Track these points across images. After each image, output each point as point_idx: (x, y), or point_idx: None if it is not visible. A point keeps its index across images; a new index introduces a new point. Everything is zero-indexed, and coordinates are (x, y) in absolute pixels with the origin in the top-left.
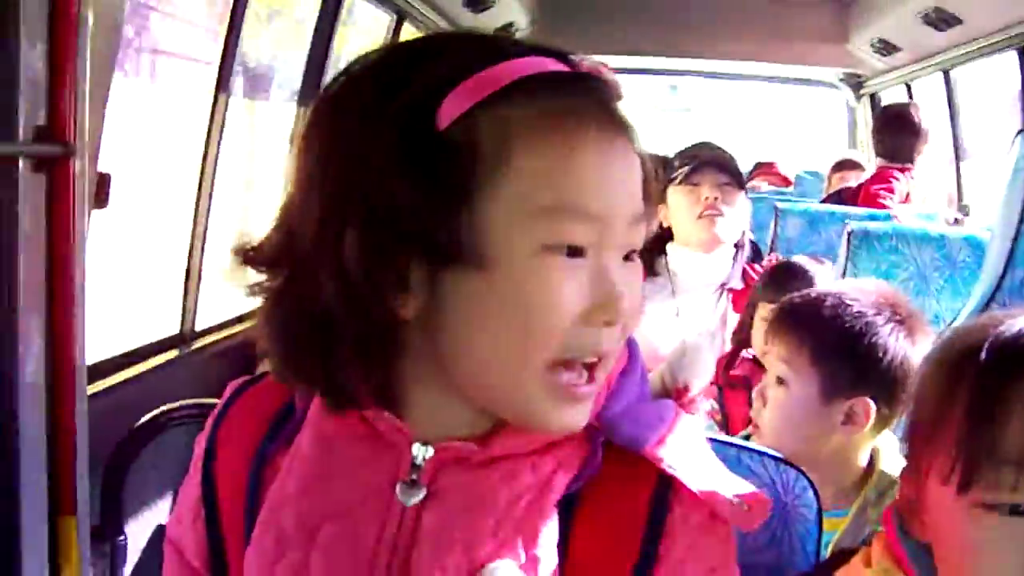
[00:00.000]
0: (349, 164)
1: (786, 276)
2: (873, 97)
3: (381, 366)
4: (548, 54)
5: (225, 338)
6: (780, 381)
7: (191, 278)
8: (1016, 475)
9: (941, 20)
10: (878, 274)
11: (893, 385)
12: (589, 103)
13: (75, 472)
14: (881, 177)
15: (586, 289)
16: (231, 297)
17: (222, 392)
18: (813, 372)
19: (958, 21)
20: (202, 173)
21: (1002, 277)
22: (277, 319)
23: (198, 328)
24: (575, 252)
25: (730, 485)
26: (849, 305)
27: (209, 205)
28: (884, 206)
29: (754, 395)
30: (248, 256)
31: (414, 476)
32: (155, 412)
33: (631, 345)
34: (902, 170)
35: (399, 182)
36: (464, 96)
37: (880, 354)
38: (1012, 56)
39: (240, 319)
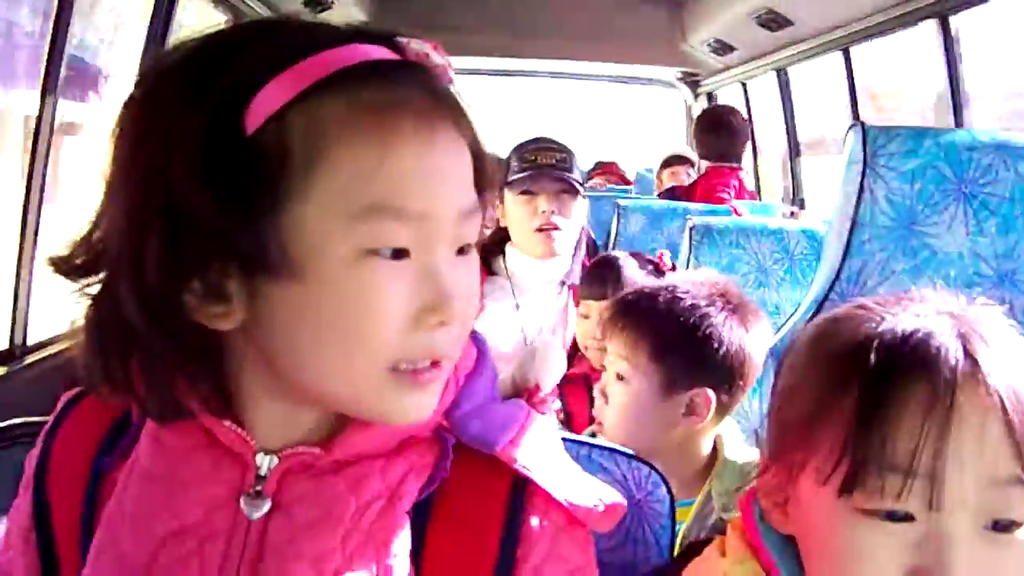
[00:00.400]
0: (149, 171)
1: (596, 270)
2: (710, 96)
3: (206, 377)
4: (372, 39)
5: (61, 351)
6: (620, 377)
7: (20, 288)
8: (902, 483)
9: (773, 21)
10: (720, 268)
11: (731, 374)
12: (408, 92)
13: None
14: (716, 174)
15: (413, 291)
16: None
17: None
18: (652, 367)
19: (789, 23)
20: (30, 175)
21: (840, 267)
22: (90, 329)
23: (30, 342)
24: (398, 254)
25: (585, 486)
26: (681, 298)
27: (39, 209)
28: (723, 200)
29: (596, 392)
30: (56, 263)
31: (258, 487)
32: None
33: (479, 344)
34: (731, 169)
35: (199, 193)
36: (272, 95)
37: (716, 344)
38: (838, 56)
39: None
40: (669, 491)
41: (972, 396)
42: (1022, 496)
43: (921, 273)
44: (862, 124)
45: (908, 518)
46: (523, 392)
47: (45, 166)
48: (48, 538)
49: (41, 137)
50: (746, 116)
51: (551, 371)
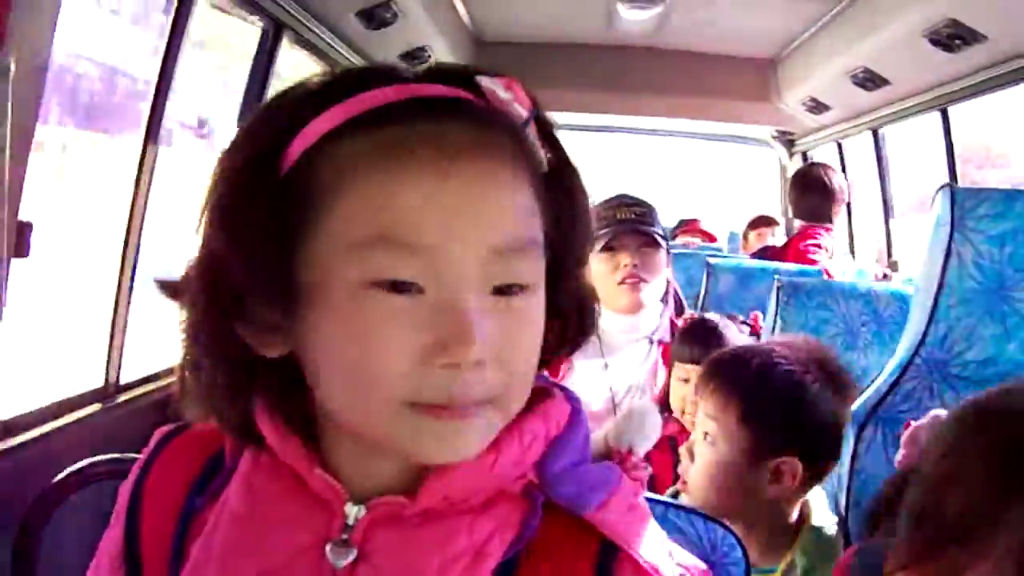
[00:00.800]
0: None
1: (696, 333)
2: (805, 155)
3: (279, 403)
4: (446, 78)
5: (152, 391)
6: (707, 438)
7: (116, 329)
8: None
9: (869, 80)
10: (807, 329)
11: (821, 444)
12: (432, 127)
13: None
14: (807, 234)
15: (425, 327)
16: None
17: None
18: (740, 431)
19: (886, 82)
20: (129, 222)
21: (925, 331)
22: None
23: (124, 381)
24: (405, 287)
25: (671, 553)
26: (777, 363)
27: (137, 254)
28: (814, 261)
29: (682, 451)
30: (165, 287)
31: (345, 536)
32: (72, 468)
33: (573, 401)
34: (824, 229)
35: (220, 243)
36: (309, 134)
37: (808, 414)
38: (936, 116)
39: (169, 371)
40: (745, 554)
41: None
42: None
43: (1010, 339)
44: (951, 186)
45: None
46: (615, 455)
47: (145, 207)
48: (137, 572)
49: (142, 179)
50: (842, 175)
51: (648, 435)
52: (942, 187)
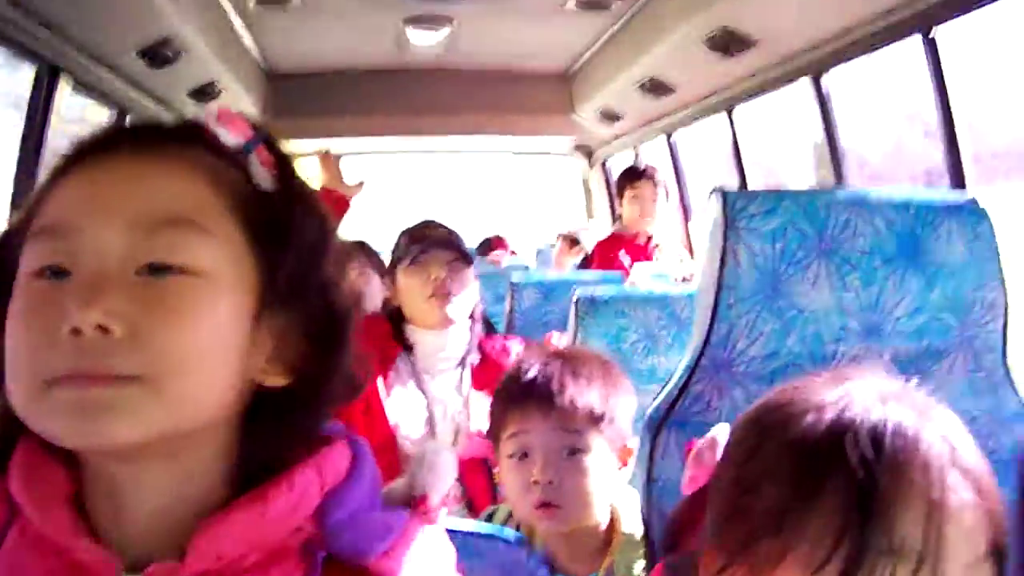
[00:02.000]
0: None
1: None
2: (604, 164)
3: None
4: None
5: None
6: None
7: None
8: (913, 568)
9: (657, 88)
10: (608, 338)
11: None
12: (112, 150)
13: None
14: (610, 240)
15: (63, 305)
16: None
17: None
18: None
19: (672, 90)
20: None
21: (708, 332)
22: None
23: None
24: (56, 272)
25: None
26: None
27: None
28: (619, 266)
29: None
30: None
31: None
32: None
33: (356, 448)
34: (630, 234)
35: None
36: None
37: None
38: (723, 118)
39: None
40: (551, 572)
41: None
42: None
43: (789, 332)
44: (722, 188)
45: None
46: (411, 501)
47: None
48: None
49: None
50: (668, 172)
51: (441, 478)
52: (714, 190)
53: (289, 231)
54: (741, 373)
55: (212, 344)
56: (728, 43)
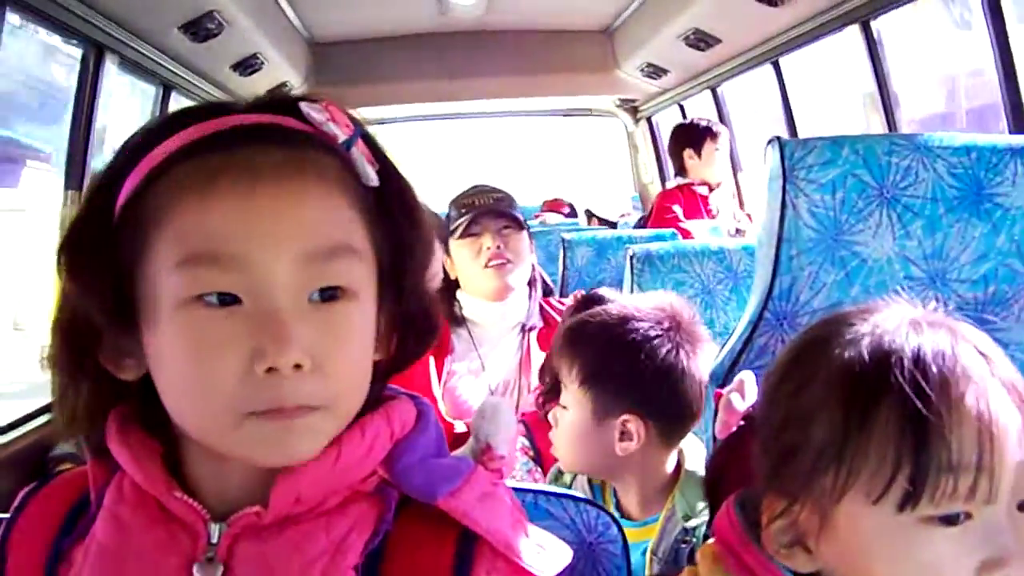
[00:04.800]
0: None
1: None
2: (650, 120)
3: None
4: (254, 109)
5: (10, 442)
6: (562, 405)
7: None
8: (972, 480)
9: (701, 41)
10: None
11: (663, 400)
12: (245, 153)
13: None
14: (663, 196)
15: (247, 338)
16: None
17: (12, 502)
18: (583, 394)
19: (718, 41)
20: None
21: (771, 285)
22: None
23: None
24: (225, 300)
25: (531, 536)
26: (611, 324)
27: None
28: (674, 224)
29: (549, 417)
30: None
31: (210, 555)
32: None
33: (420, 405)
34: (681, 188)
35: (66, 278)
36: (133, 178)
37: (645, 370)
38: (769, 70)
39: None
40: (621, 531)
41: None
42: None
43: (852, 283)
44: (779, 139)
45: (967, 517)
46: (477, 453)
47: None
48: None
49: None
50: (718, 125)
51: (501, 428)
52: (771, 140)
53: (397, 230)
54: (805, 325)
55: (366, 357)
56: None
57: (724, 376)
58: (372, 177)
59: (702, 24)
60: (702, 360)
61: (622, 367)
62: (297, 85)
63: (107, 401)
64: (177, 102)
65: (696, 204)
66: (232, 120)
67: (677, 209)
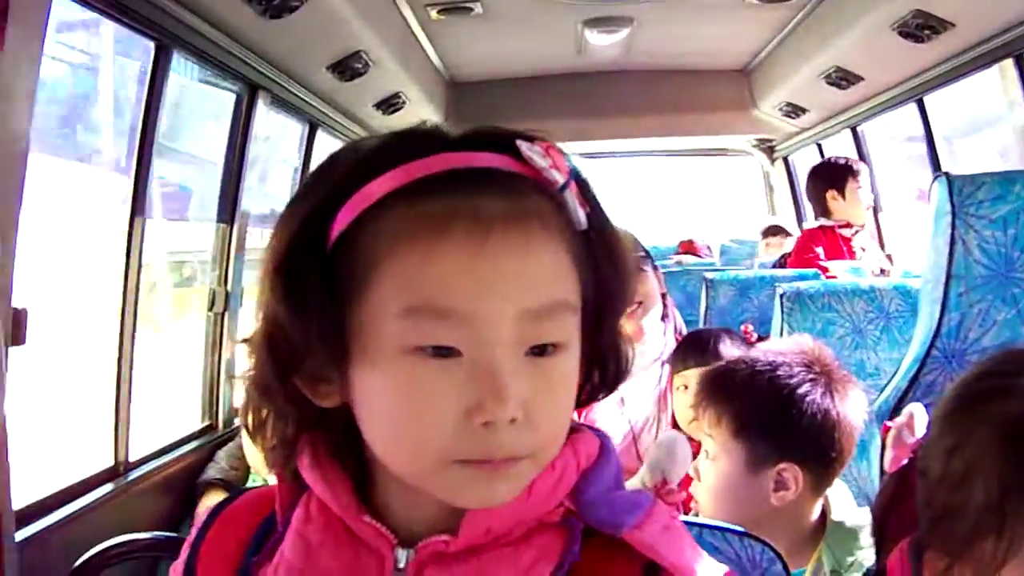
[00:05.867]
0: (260, 288)
1: (689, 341)
2: (786, 160)
3: (324, 441)
4: (481, 144)
5: (162, 467)
6: (708, 455)
7: (120, 406)
8: None
9: (843, 79)
10: (814, 332)
11: (820, 445)
12: (469, 200)
13: None
14: (806, 236)
15: (463, 389)
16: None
17: (162, 524)
18: (735, 444)
19: (860, 79)
20: (124, 299)
21: (939, 323)
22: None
23: (132, 459)
24: (445, 352)
25: (709, 569)
26: (761, 371)
27: (133, 332)
28: (815, 264)
29: (691, 471)
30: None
31: None
32: (91, 553)
33: (602, 437)
34: (824, 229)
35: (280, 306)
36: (345, 215)
37: (800, 418)
38: (912, 108)
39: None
40: (785, 567)
41: None
42: None
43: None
44: (947, 174)
45: None
46: (652, 488)
47: (138, 280)
48: None
49: (131, 263)
50: (858, 163)
51: (679, 461)
52: (937, 176)
53: (602, 275)
54: (975, 364)
55: (571, 404)
56: (921, 27)
57: (891, 413)
58: (583, 221)
59: (845, 62)
60: (851, 405)
61: (777, 415)
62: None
63: (302, 427)
64: (322, 139)
65: (838, 245)
66: (451, 161)
67: (819, 250)
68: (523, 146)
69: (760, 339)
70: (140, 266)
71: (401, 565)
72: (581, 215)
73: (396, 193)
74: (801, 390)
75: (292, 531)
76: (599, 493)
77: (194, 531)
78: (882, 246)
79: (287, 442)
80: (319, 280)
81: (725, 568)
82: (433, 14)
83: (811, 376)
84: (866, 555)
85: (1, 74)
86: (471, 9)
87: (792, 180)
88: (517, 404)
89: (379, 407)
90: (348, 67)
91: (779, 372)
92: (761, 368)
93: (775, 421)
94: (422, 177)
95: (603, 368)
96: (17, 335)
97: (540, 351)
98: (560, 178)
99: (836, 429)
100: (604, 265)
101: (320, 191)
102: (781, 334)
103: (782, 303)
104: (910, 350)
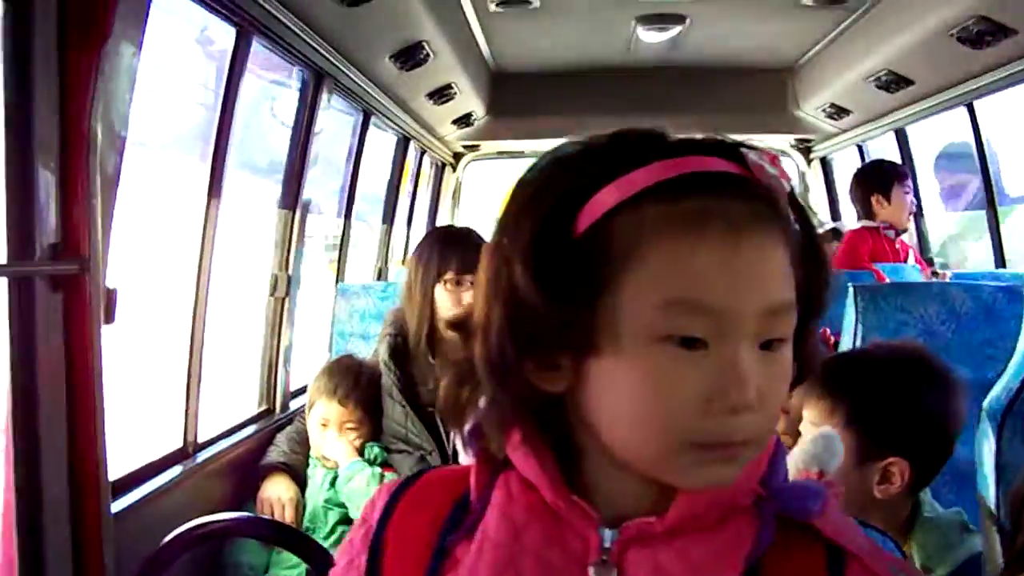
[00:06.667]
0: (499, 267)
1: None
2: (824, 161)
3: (542, 429)
4: (712, 150)
5: (227, 450)
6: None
7: (191, 390)
8: None
9: (893, 83)
10: (887, 332)
11: (928, 443)
12: (723, 201)
13: None
14: (858, 237)
15: (707, 378)
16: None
17: (227, 505)
18: (847, 434)
19: (910, 82)
20: (198, 281)
21: None
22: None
23: (200, 440)
24: (693, 343)
25: (880, 554)
26: (881, 366)
27: (205, 313)
28: (866, 265)
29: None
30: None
31: (604, 557)
32: (173, 533)
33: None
34: (870, 231)
35: (530, 289)
36: (601, 201)
37: (913, 414)
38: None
39: (240, 427)
40: (904, 556)
41: None
42: None
43: None
44: None
45: None
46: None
47: (211, 265)
48: None
49: (207, 237)
50: (903, 168)
51: (835, 455)
52: None
53: (810, 277)
54: None
55: (787, 396)
56: (982, 34)
57: (1002, 412)
58: (797, 228)
59: (896, 65)
60: (961, 406)
61: (893, 409)
62: (480, 115)
63: (520, 411)
64: (375, 127)
65: (883, 247)
66: (693, 164)
67: (866, 252)
68: (751, 155)
69: (836, 338)
70: (212, 252)
71: (607, 544)
72: (794, 224)
73: (646, 190)
74: (918, 387)
75: (495, 510)
76: (782, 479)
77: (376, 512)
78: (921, 251)
79: (501, 424)
80: (571, 269)
81: (892, 554)
82: (492, 7)
83: (926, 372)
84: (955, 553)
85: (107, 58)
86: (529, 2)
87: (829, 181)
88: (755, 393)
89: (621, 392)
90: (410, 57)
91: (896, 368)
92: (880, 362)
93: (891, 414)
94: (673, 178)
95: (802, 365)
96: (108, 313)
97: (767, 345)
98: (787, 187)
99: (948, 428)
100: (811, 268)
101: (566, 180)
102: (854, 333)
103: (856, 301)
104: (1018, 349)
